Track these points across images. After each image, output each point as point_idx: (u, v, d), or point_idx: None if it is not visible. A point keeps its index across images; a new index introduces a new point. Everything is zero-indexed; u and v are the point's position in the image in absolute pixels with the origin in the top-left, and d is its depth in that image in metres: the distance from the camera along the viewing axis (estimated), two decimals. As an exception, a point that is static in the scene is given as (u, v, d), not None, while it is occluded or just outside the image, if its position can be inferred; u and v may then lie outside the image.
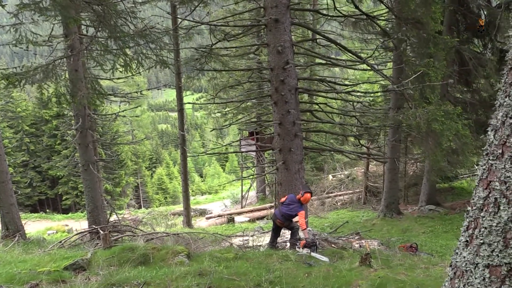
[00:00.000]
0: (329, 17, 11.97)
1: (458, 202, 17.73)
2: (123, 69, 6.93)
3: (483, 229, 1.89)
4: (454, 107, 9.70)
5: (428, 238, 12.54)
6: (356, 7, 10.04)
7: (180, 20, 12.75)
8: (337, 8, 10.86)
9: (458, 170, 19.80)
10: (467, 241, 1.98)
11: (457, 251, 2.06)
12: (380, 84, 18.11)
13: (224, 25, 11.47)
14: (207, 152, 13.89)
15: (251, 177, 25.67)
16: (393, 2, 10.56)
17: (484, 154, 1.97)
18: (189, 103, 18.37)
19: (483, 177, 1.92)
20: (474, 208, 1.96)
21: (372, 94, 20.77)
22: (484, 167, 1.93)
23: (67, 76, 10.19)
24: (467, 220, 2.01)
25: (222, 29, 11.44)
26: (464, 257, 1.97)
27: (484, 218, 1.88)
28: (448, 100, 15.71)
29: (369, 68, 10.71)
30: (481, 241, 1.89)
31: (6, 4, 8.42)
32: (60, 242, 10.16)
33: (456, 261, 2.03)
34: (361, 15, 10.69)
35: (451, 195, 19.25)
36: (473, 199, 1.99)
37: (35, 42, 7.91)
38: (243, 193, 27.25)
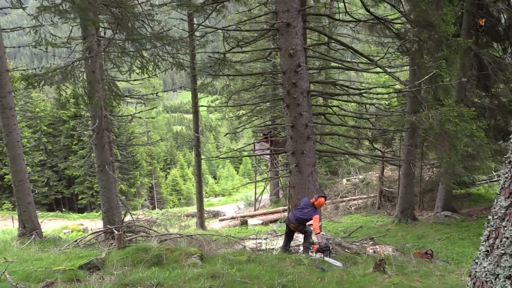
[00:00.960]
0: (340, 22, 11.93)
1: (475, 208, 17.42)
2: (140, 71, 7.01)
3: (504, 239, 1.83)
4: (468, 109, 9.58)
5: (444, 245, 12.35)
6: (368, 11, 9.99)
7: (195, 25, 12.88)
8: (352, 12, 10.83)
9: (475, 176, 19.47)
10: (487, 251, 1.93)
11: (476, 261, 2.00)
12: (394, 88, 17.94)
13: (237, 30, 11.52)
14: (221, 156, 13.92)
15: (265, 179, 25.66)
16: (404, 5, 10.46)
17: (506, 162, 1.91)
18: (203, 106, 18.47)
19: (505, 185, 1.87)
20: (495, 217, 1.91)
21: (387, 98, 20.61)
22: (506, 175, 1.88)
23: (84, 77, 10.33)
24: (488, 229, 1.96)
25: (235, 36, 11.51)
26: (484, 267, 1.92)
27: (506, 228, 1.83)
28: (466, 105, 15.46)
29: (382, 71, 10.66)
30: (503, 251, 1.84)
31: (27, 7, 8.59)
32: (76, 241, 10.28)
33: (476, 271, 1.98)
34: (373, 20, 10.63)
35: (468, 201, 18.92)
36: (494, 207, 1.94)
37: (54, 44, 8.05)
38: (257, 196, 27.23)
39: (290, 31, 9.26)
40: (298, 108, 9.53)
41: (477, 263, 1.98)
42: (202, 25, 10.86)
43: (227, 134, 16.23)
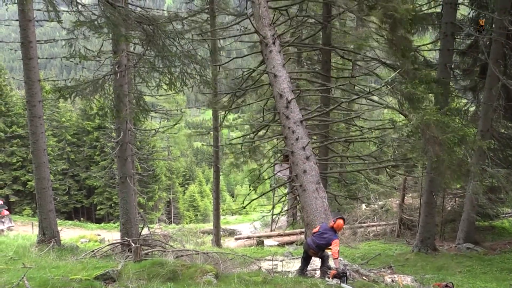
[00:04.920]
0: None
1: (498, 242, 16.86)
2: (168, 87, 7.16)
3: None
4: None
5: (465, 278, 11.94)
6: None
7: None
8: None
9: (499, 209, 18.91)
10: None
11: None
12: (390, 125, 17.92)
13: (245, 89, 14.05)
14: (243, 205, 14.22)
15: (282, 200, 25.44)
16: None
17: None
18: (224, 127, 18.61)
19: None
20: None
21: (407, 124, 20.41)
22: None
23: (112, 90, 10.56)
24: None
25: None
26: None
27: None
28: (492, 135, 15.17)
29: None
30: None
31: (62, 20, 8.91)
32: (93, 251, 10.38)
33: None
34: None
35: (491, 234, 18.33)
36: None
37: (86, 57, 8.30)
38: (274, 217, 27.00)
39: (278, 80, 11.13)
40: (294, 135, 10.62)
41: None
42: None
43: (245, 178, 16.40)
